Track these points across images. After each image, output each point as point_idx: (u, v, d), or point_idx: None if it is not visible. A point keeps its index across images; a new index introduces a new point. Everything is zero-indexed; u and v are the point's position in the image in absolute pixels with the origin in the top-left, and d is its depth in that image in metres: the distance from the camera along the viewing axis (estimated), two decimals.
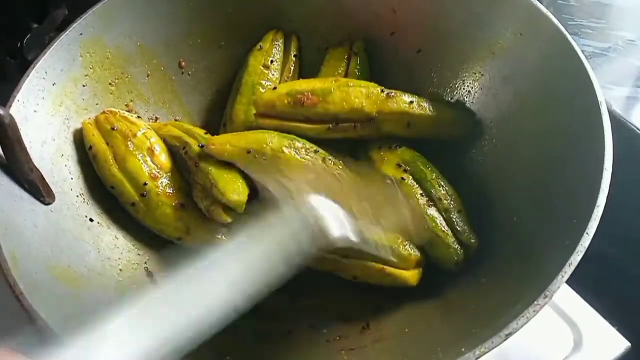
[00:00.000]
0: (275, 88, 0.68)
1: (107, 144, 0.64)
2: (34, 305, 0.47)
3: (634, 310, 0.68)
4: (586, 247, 0.46)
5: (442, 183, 0.61)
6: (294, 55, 0.74)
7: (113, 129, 0.64)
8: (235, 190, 0.60)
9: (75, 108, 0.65)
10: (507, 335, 0.43)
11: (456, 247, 0.59)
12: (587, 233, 0.46)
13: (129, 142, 0.64)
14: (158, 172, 0.63)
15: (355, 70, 0.71)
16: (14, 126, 0.54)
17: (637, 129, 0.80)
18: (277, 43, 0.74)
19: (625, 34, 0.98)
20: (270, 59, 0.72)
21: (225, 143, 0.63)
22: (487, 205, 0.61)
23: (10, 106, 0.58)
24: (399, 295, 0.61)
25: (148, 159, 0.64)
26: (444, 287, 0.59)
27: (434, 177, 0.61)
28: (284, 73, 0.73)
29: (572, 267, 0.45)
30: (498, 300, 0.50)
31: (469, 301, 0.55)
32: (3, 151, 0.55)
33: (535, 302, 0.44)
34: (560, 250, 0.47)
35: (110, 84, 0.69)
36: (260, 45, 0.73)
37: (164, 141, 0.66)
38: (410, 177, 0.62)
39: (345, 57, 0.72)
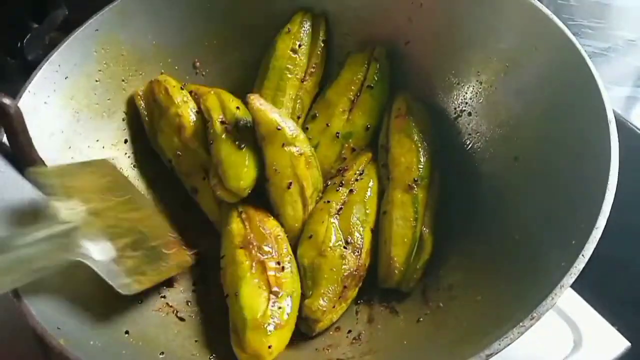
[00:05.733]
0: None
1: (149, 115, 0.69)
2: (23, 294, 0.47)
3: (634, 310, 0.66)
4: (580, 269, 0.44)
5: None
6: (322, 41, 0.73)
7: (155, 100, 0.68)
8: (237, 176, 0.61)
9: (87, 102, 0.66)
10: (488, 356, 0.41)
11: None
12: (582, 255, 0.44)
13: (162, 118, 0.67)
14: (180, 153, 0.67)
15: (375, 76, 0.70)
16: (20, 117, 0.55)
17: (637, 128, 0.79)
18: (305, 26, 0.73)
19: (625, 34, 0.97)
20: (299, 43, 0.72)
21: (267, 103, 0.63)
22: (491, 222, 0.60)
23: (20, 97, 0.59)
24: (394, 309, 0.60)
25: (175, 138, 0.67)
26: (442, 304, 0.58)
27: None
28: (312, 59, 0.72)
29: (564, 290, 0.43)
30: (489, 318, 0.49)
31: (462, 318, 0.53)
32: (8, 140, 0.56)
33: (521, 324, 0.42)
34: (556, 271, 0.45)
35: (123, 80, 0.69)
36: (288, 28, 0.73)
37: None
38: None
39: (366, 62, 0.71)
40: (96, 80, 0.67)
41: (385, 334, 0.57)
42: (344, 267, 0.59)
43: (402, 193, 0.62)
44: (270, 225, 0.62)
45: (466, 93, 0.68)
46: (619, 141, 0.49)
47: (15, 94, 0.59)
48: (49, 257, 0.50)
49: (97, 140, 0.67)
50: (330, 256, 0.59)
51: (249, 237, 0.60)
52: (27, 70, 0.61)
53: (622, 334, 0.63)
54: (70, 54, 0.64)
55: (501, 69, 0.64)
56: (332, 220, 0.62)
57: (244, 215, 0.62)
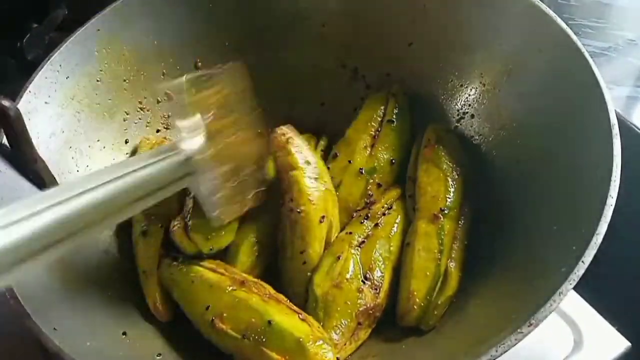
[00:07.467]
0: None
1: None
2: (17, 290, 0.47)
3: (634, 309, 0.66)
4: (580, 275, 0.43)
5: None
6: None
7: None
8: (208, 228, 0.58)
9: (88, 102, 0.66)
10: None
11: None
12: (582, 261, 0.44)
13: None
14: None
15: (394, 111, 0.68)
16: (19, 118, 0.55)
17: (638, 128, 0.78)
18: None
19: (626, 34, 0.97)
20: None
21: None
22: (490, 226, 0.59)
23: (21, 97, 0.59)
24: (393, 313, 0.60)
25: None
26: None
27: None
28: None
29: (563, 296, 0.43)
30: (487, 324, 0.49)
31: (459, 324, 0.53)
32: (8, 141, 0.56)
33: (519, 330, 0.42)
34: (555, 277, 0.45)
35: (125, 80, 0.69)
36: None
37: None
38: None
39: (384, 100, 0.69)
40: (97, 80, 0.67)
41: (384, 338, 0.57)
42: (359, 301, 0.56)
43: (427, 223, 0.59)
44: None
45: (469, 95, 0.67)
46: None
47: (14, 93, 0.58)
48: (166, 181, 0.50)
49: (98, 140, 0.66)
50: (347, 288, 0.56)
51: (238, 278, 0.56)
52: (27, 70, 0.61)
53: (622, 334, 0.62)
54: (72, 53, 0.64)
55: (504, 71, 0.63)
56: (352, 251, 0.58)
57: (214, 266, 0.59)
